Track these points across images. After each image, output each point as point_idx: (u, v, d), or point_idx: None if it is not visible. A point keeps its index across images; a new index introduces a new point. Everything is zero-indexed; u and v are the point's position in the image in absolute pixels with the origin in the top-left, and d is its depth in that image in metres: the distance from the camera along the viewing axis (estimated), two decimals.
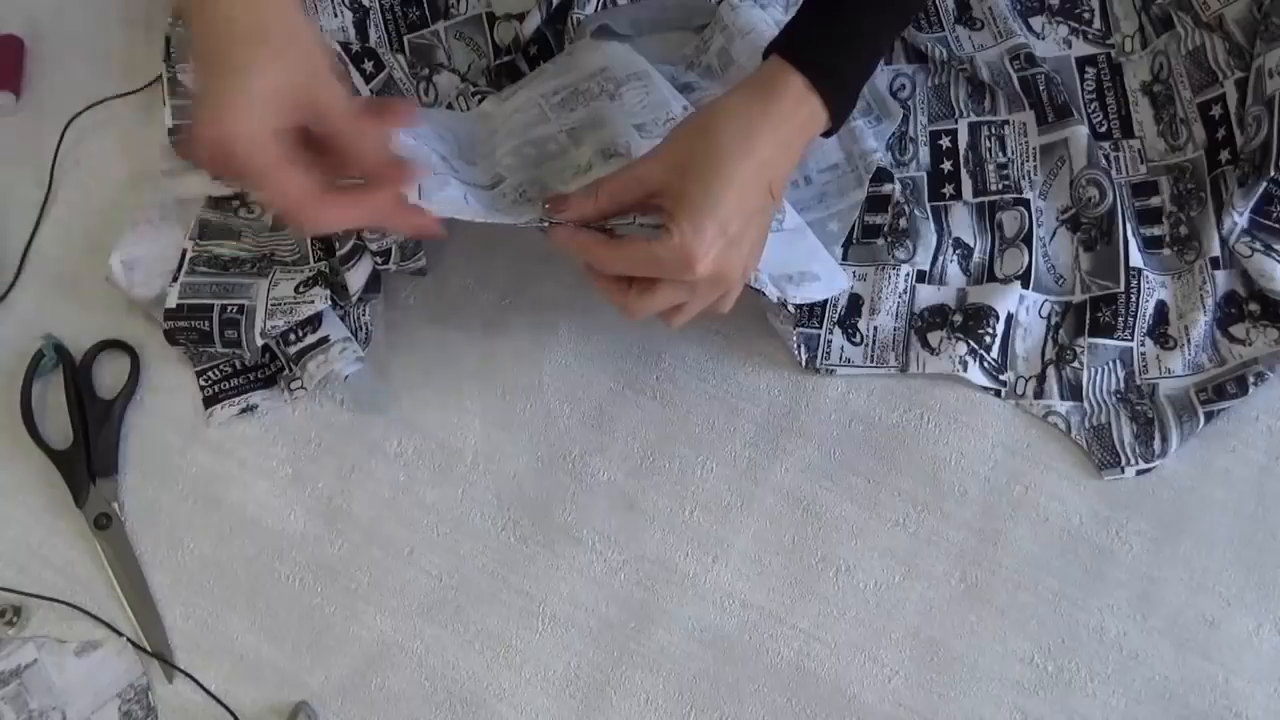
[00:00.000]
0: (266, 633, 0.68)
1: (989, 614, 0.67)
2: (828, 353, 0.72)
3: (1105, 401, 0.71)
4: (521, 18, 0.79)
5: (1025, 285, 0.72)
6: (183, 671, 0.67)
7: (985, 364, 0.71)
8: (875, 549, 0.69)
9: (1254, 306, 0.71)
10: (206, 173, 0.74)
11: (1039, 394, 0.71)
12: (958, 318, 0.72)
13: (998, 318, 0.71)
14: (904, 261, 0.74)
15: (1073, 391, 0.71)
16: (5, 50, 0.82)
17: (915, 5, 0.63)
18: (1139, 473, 0.69)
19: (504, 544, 0.70)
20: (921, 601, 0.68)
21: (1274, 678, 0.65)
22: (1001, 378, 0.71)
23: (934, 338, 0.71)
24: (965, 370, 0.70)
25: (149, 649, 0.67)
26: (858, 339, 0.72)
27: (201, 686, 0.67)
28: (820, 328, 0.72)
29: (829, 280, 0.70)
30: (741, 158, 0.57)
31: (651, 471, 0.71)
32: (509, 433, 0.72)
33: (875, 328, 0.72)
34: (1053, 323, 0.72)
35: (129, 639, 0.68)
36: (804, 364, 0.72)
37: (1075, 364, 0.71)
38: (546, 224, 0.61)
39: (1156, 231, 0.75)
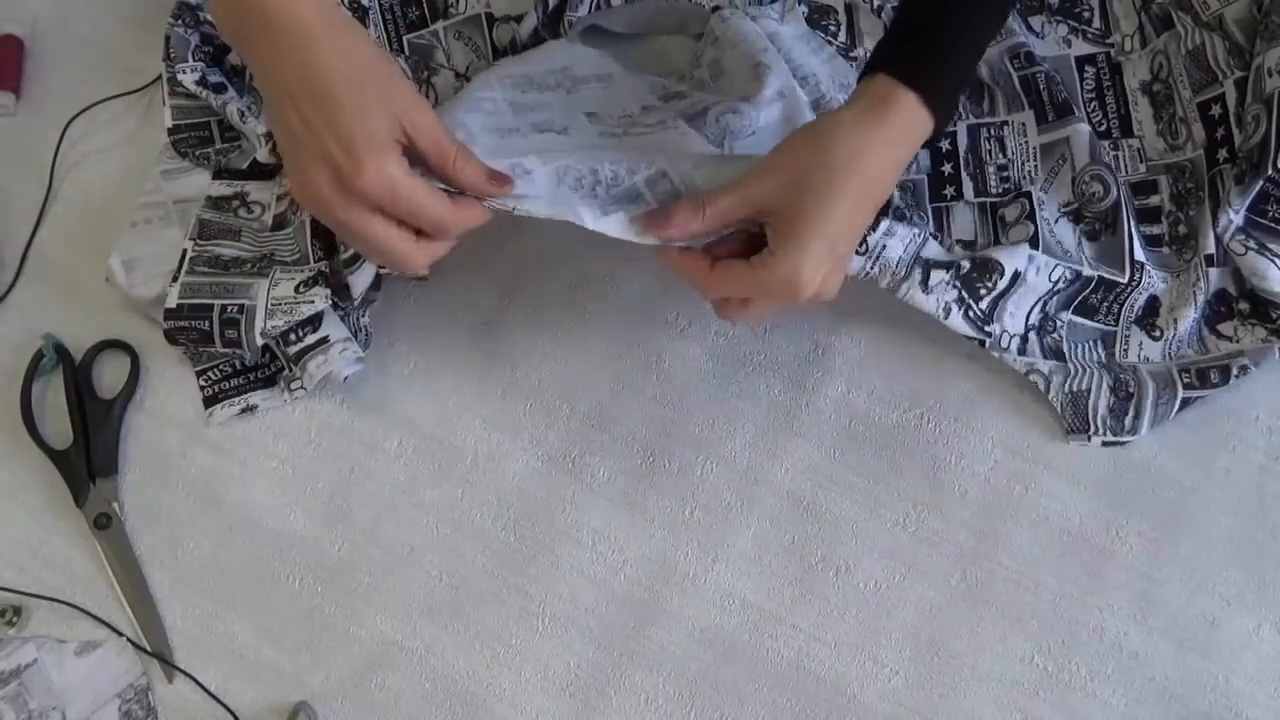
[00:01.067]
0: (266, 633, 0.68)
1: (989, 614, 0.67)
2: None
3: (1089, 366, 0.71)
4: (520, 19, 0.79)
5: (1034, 247, 0.71)
6: (183, 671, 0.67)
7: (971, 314, 0.69)
8: (875, 549, 0.69)
9: (1243, 305, 0.71)
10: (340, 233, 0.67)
11: (1022, 351, 0.71)
12: (964, 264, 0.70)
13: (1002, 273, 0.70)
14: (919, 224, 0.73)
15: (1054, 355, 0.71)
16: (5, 50, 0.82)
17: (1005, 11, 0.63)
18: (1105, 444, 0.70)
19: (504, 544, 0.70)
20: (921, 601, 0.68)
21: (1274, 678, 0.65)
22: (987, 329, 0.70)
23: (935, 275, 0.69)
24: (946, 318, 0.69)
25: (149, 649, 0.67)
26: (863, 249, 0.68)
27: (201, 686, 0.67)
28: None
29: None
30: (855, 177, 0.56)
31: (651, 471, 0.71)
32: (509, 433, 0.72)
33: (884, 246, 0.68)
34: (1057, 289, 0.71)
35: (129, 639, 0.68)
36: None
37: (1055, 335, 0.71)
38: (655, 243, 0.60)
39: (1156, 230, 0.75)
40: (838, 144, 0.57)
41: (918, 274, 0.69)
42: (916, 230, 0.70)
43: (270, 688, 0.67)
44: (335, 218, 0.56)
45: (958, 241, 0.75)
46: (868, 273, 0.68)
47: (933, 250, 0.71)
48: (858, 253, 0.68)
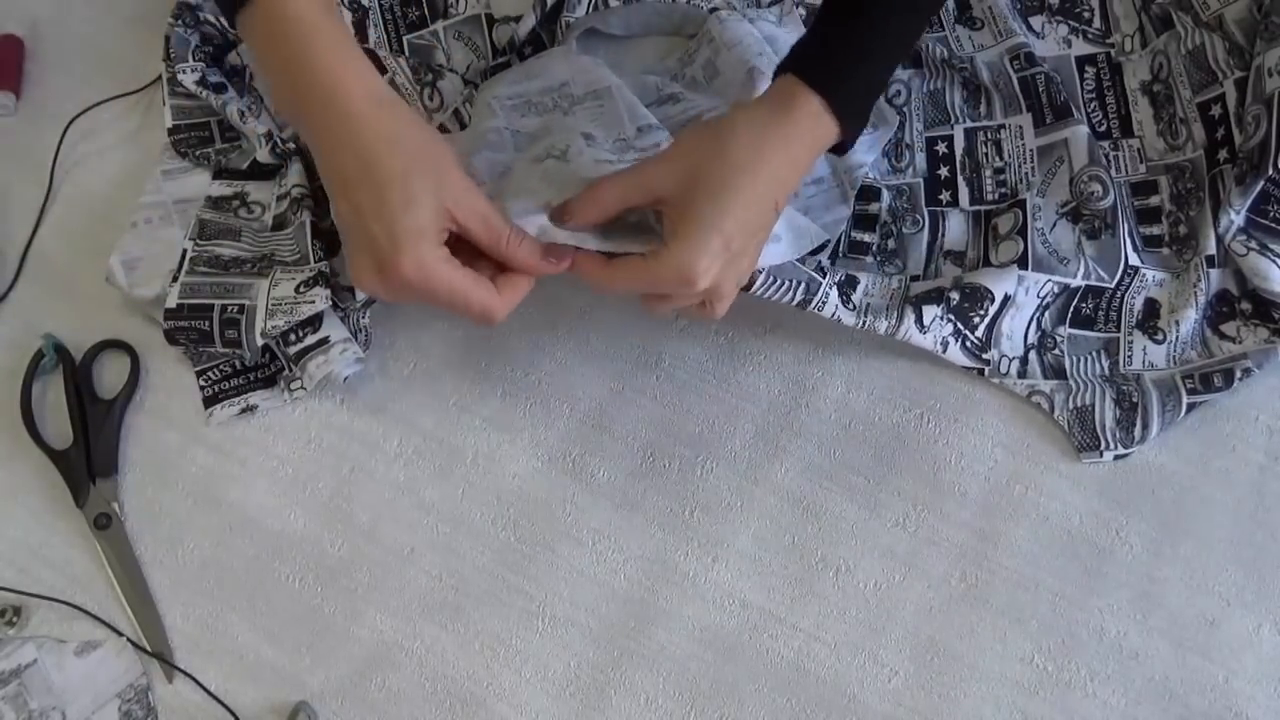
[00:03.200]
0: (266, 633, 0.68)
1: (989, 614, 0.67)
2: (821, 305, 0.69)
3: (1091, 381, 0.71)
4: (519, 20, 0.79)
5: (1023, 267, 0.71)
6: (183, 671, 0.67)
7: (968, 344, 0.70)
8: (875, 549, 0.69)
9: (1245, 305, 0.71)
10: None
11: (1023, 374, 0.71)
12: (954, 295, 0.71)
13: (993, 300, 0.70)
14: (894, 274, 0.74)
15: (1055, 373, 0.71)
16: (5, 50, 0.83)
17: (923, 22, 0.63)
18: (1116, 457, 0.70)
19: (504, 544, 0.70)
20: (921, 601, 0.68)
21: (1274, 678, 0.65)
22: (985, 356, 0.71)
23: (929, 312, 0.70)
24: (944, 351, 0.70)
25: (149, 649, 0.67)
26: (851, 306, 0.70)
27: (201, 686, 0.67)
28: (824, 278, 0.70)
29: (794, 240, 0.68)
30: (752, 174, 0.57)
31: (651, 471, 0.71)
32: (509, 433, 0.72)
33: (869, 305, 0.71)
34: (1045, 303, 0.72)
35: (129, 639, 0.68)
36: (796, 303, 0.68)
37: (1056, 351, 0.71)
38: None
39: (1156, 230, 0.75)
40: (736, 139, 0.57)
41: (910, 315, 0.70)
42: (897, 283, 0.72)
43: (270, 688, 0.67)
44: (381, 299, 0.58)
45: (948, 254, 0.74)
46: (864, 325, 0.70)
47: (919, 286, 0.72)
48: (845, 307, 0.69)
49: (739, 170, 0.57)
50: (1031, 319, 0.72)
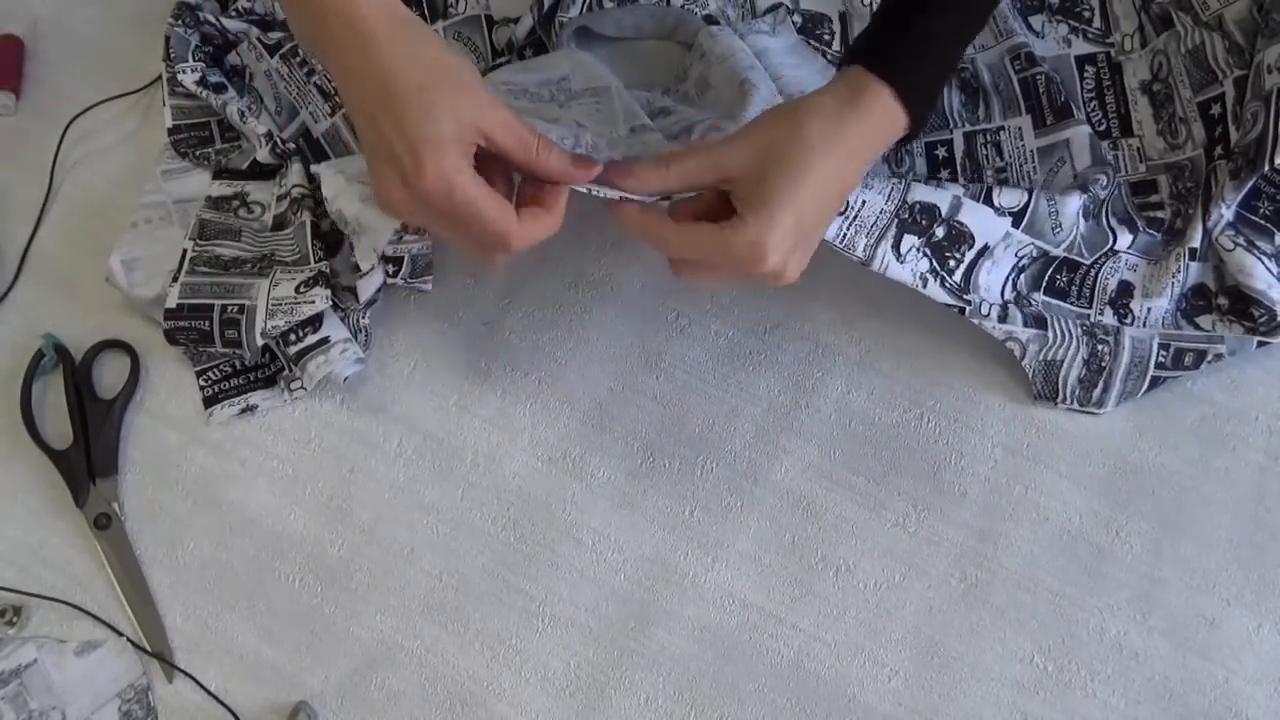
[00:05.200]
0: (266, 633, 0.68)
1: (989, 614, 0.67)
2: None
3: (1070, 331, 0.71)
4: (517, 22, 0.79)
5: (1017, 225, 0.71)
6: (183, 671, 0.67)
7: (947, 285, 0.70)
8: (875, 549, 0.69)
9: (1222, 301, 0.72)
10: (395, 226, 0.66)
11: (1003, 319, 0.71)
12: (939, 230, 0.69)
13: (972, 245, 0.70)
14: (897, 183, 0.71)
15: (1036, 322, 0.71)
16: (5, 50, 0.83)
17: (988, 10, 0.63)
18: (1069, 409, 0.71)
19: (504, 544, 0.70)
20: (921, 601, 0.68)
21: (1274, 678, 0.65)
22: (966, 298, 0.70)
23: (907, 243, 0.69)
24: (924, 287, 0.69)
25: (149, 649, 0.67)
26: (842, 208, 0.67)
27: (201, 686, 0.67)
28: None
29: None
30: (826, 155, 0.56)
31: (651, 471, 0.71)
32: (509, 433, 0.72)
33: (864, 202, 0.68)
34: (1022, 265, 0.72)
35: (129, 639, 0.68)
36: None
37: (1033, 310, 0.71)
38: (618, 197, 0.59)
39: (1157, 220, 0.75)
40: (811, 123, 0.57)
41: (891, 235, 0.68)
42: (896, 179, 0.70)
43: (270, 688, 0.67)
44: (407, 219, 0.57)
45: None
46: (844, 235, 0.67)
47: (920, 193, 0.69)
48: (837, 213, 0.66)
49: (812, 152, 0.56)
50: (1007, 279, 0.72)
